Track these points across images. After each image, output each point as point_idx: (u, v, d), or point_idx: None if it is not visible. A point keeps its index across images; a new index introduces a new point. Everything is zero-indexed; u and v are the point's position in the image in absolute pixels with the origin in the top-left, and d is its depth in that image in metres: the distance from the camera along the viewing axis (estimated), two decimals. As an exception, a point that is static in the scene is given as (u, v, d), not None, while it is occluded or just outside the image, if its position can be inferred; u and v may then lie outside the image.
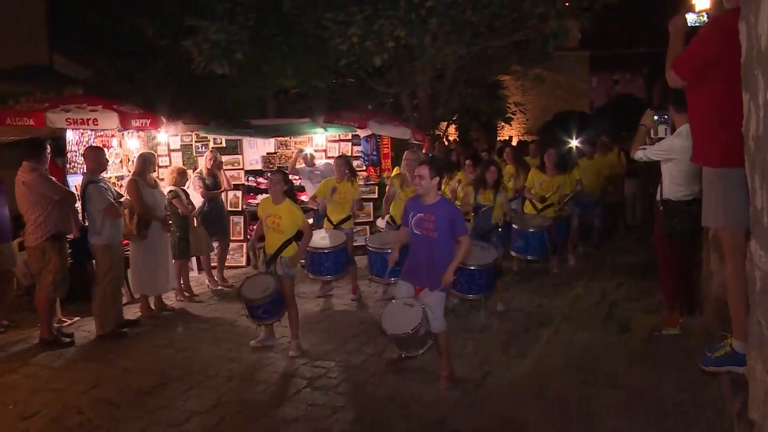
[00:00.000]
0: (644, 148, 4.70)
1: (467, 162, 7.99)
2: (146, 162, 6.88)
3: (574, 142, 11.77)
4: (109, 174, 7.42)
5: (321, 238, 6.96)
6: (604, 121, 18.34)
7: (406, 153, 7.44)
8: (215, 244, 8.22)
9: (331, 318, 6.79)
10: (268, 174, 9.75)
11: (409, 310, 4.71)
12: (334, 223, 7.26)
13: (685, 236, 4.75)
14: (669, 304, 5.05)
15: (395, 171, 8.97)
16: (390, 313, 4.82)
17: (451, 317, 6.38)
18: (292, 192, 5.86)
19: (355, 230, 7.71)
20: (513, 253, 7.54)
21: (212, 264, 8.27)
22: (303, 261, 6.79)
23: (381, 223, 8.14)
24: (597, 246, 9.84)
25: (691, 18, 3.31)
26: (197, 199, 7.89)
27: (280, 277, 5.63)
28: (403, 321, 4.67)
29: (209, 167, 8.19)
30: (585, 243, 9.79)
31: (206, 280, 8.09)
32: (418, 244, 4.85)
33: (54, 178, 6.21)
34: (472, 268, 5.82)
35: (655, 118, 4.76)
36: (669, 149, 4.53)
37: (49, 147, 6.16)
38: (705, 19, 3.26)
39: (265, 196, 9.25)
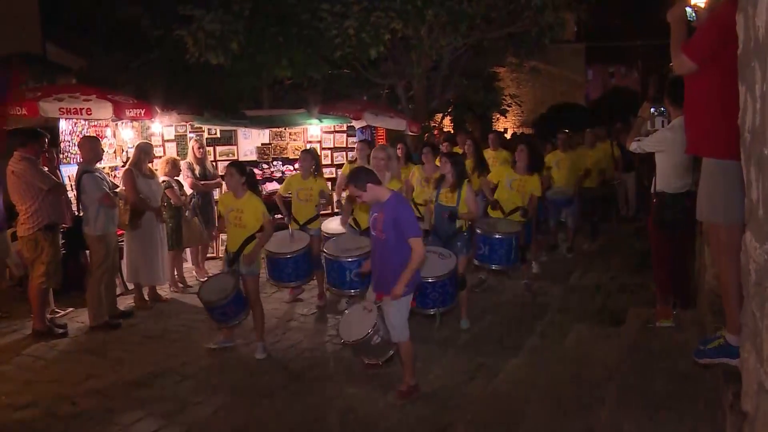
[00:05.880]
0: (639, 140, 4.70)
1: (424, 150, 6.94)
2: (142, 152, 6.85)
3: None
4: (103, 164, 7.37)
5: (282, 241, 6.43)
6: (599, 113, 18.34)
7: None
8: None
9: (324, 309, 6.78)
10: (263, 165, 9.75)
11: (366, 316, 4.46)
12: (300, 223, 6.72)
13: (678, 228, 4.76)
14: (663, 297, 5.04)
15: (345, 169, 8.02)
16: (349, 318, 4.61)
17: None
18: (254, 185, 5.52)
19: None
20: (476, 262, 6.47)
21: (209, 255, 8.30)
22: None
23: (335, 224, 7.25)
24: (570, 248, 9.12)
25: (688, 12, 3.27)
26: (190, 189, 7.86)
27: (244, 276, 5.35)
28: (358, 327, 4.42)
29: (198, 156, 8.12)
30: (562, 243, 9.32)
31: (194, 271, 8.07)
32: (373, 246, 4.58)
33: (45, 168, 6.18)
34: (431, 280, 5.20)
35: (653, 110, 4.76)
36: (660, 141, 4.55)
37: (41, 137, 6.11)
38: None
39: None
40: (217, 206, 5.72)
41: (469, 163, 7.67)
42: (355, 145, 6.92)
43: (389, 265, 4.36)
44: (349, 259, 5.76)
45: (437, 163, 6.49)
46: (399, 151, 8.22)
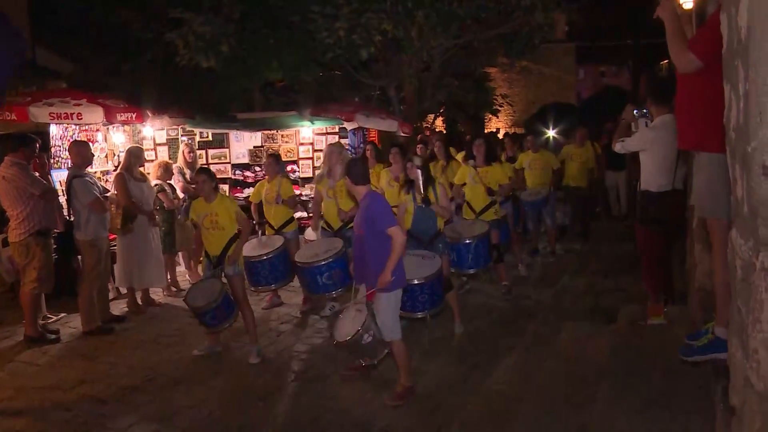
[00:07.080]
0: (623, 140, 4.77)
1: (393, 150, 6.82)
2: (133, 156, 6.85)
3: (551, 133, 11.72)
4: (95, 169, 7.37)
5: (255, 246, 6.41)
6: (590, 113, 18.39)
7: (327, 147, 6.54)
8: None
9: (313, 312, 6.77)
10: (256, 168, 9.75)
11: (357, 315, 4.45)
12: (276, 227, 6.71)
13: (663, 226, 4.81)
14: (653, 294, 5.08)
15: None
16: (342, 319, 4.62)
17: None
18: (217, 187, 5.68)
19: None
20: (452, 270, 6.30)
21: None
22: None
23: (311, 234, 6.99)
24: (553, 251, 9.03)
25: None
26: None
27: (230, 277, 5.39)
28: (348, 327, 4.40)
29: (189, 160, 8.09)
30: (541, 244, 9.25)
31: (187, 275, 8.04)
32: (354, 243, 4.64)
33: (37, 173, 6.16)
34: (419, 282, 5.12)
35: (635, 112, 4.81)
36: (644, 141, 4.61)
37: (32, 142, 6.09)
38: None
39: (248, 189, 9.17)
40: (189, 215, 5.73)
41: (441, 164, 7.73)
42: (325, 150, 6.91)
43: (368, 260, 4.40)
44: (317, 264, 5.67)
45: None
46: (368, 153, 8.23)
